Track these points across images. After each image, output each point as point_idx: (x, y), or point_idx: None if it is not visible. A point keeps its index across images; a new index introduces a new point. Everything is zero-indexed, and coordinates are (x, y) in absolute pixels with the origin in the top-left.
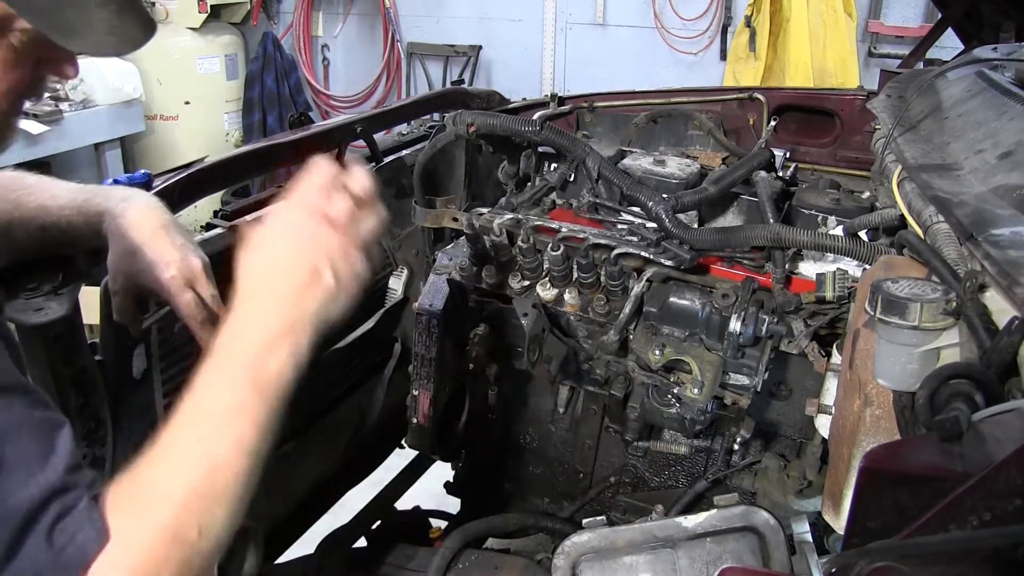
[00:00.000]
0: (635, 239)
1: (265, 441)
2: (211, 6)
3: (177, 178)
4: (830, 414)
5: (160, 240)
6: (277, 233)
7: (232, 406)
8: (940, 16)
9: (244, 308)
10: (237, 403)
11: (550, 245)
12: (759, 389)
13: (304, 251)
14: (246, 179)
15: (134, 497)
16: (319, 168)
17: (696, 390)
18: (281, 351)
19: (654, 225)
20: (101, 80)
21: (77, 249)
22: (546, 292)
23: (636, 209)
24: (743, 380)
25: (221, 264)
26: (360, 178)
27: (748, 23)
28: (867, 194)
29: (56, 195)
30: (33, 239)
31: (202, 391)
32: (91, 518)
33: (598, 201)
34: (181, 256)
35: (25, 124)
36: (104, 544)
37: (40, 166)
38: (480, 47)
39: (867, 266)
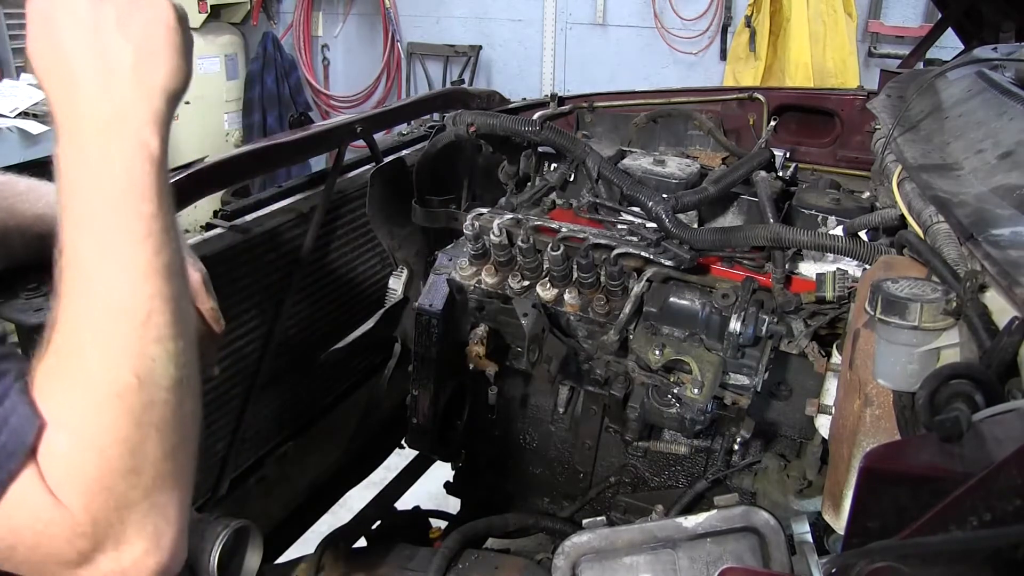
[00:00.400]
0: (635, 239)
1: (164, 253)
2: (211, 6)
3: (177, 178)
4: (830, 414)
5: None
6: (40, 35)
7: (103, 234)
8: (940, 16)
9: (61, 139)
10: (107, 225)
11: (550, 245)
12: (759, 389)
13: (79, 35)
14: (246, 179)
15: (52, 372)
16: None
17: (696, 390)
18: (122, 149)
19: (654, 225)
20: None
21: None
22: (546, 292)
23: (636, 209)
24: (743, 380)
25: (221, 264)
26: None
27: (748, 23)
28: (867, 194)
29: (52, 203)
30: (31, 247)
31: (68, 235)
32: (24, 402)
33: (598, 201)
34: None
35: (25, 124)
36: (43, 426)
37: (40, 166)
38: (480, 47)
39: (867, 266)
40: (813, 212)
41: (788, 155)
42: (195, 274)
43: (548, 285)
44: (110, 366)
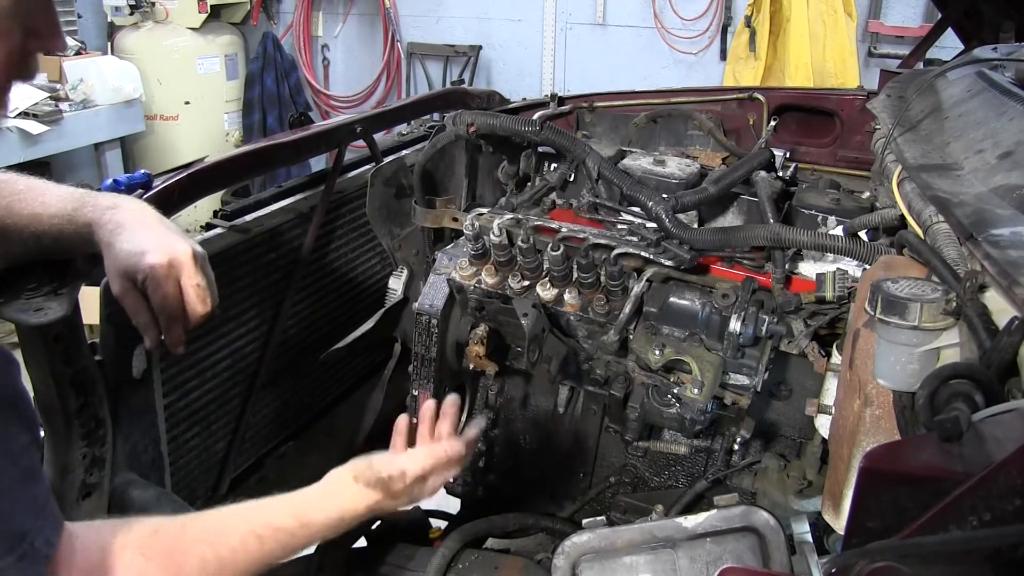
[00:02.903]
0: (635, 239)
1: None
2: (211, 6)
3: (177, 178)
4: (830, 414)
5: (144, 231)
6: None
7: (281, 545)
8: (940, 16)
9: (331, 496)
10: (283, 545)
11: (550, 245)
12: (759, 389)
13: (371, 508)
14: (246, 179)
15: (169, 552)
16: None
17: (696, 390)
18: (320, 534)
19: (654, 225)
20: (101, 80)
21: (71, 255)
22: (546, 292)
23: (636, 209)
24: (743, 380)
25: (221, 264)
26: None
27: (748, 23)
28: (867, 194)
29: (47, 203)
30: (28, 246)
31: (270, 521)
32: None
33: (598, 201)
34: (166, 244)
35: (25, 124)
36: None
37: (40, 166)
38: (480, 47)
39: (867, 266)
40: (813, 212)
41: (788, 155)
42: (183, 246)
43: (548, 285)
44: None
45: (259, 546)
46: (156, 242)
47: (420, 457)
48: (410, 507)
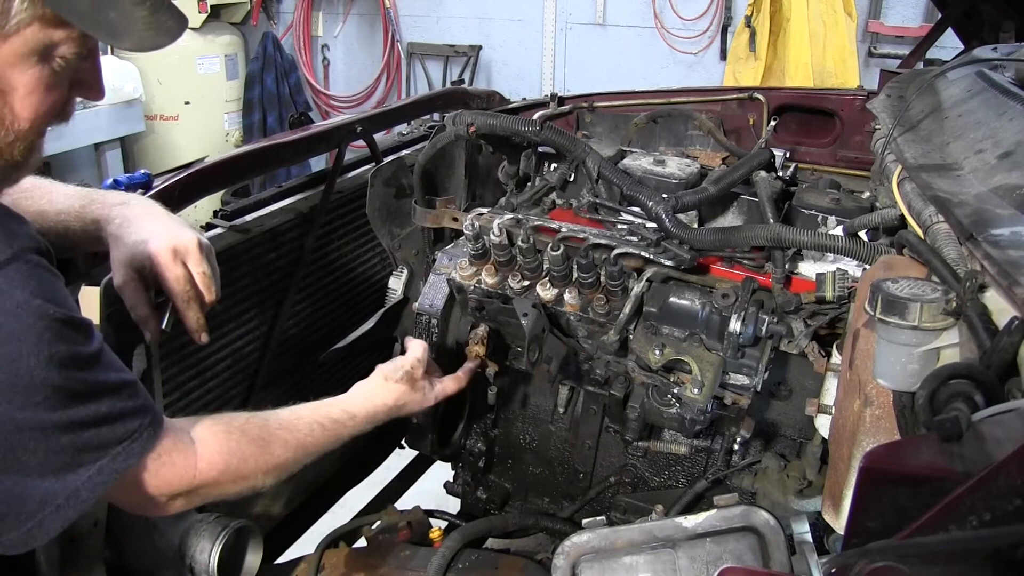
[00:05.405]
0: (635, 239)
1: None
2: (211, 6)
3: (177, 178)
4: (830, 414)
5: (150, 222)
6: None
7: (323, 436)
8: (940, 16)
9: (367, 394)
10: (324, 437)
11: (550, 245)
12: (759, 389)
13: (399, 398)
14: (246, 179)
15: (260, 435)
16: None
17: (696, 390)
18: (363, 424)
19: (654, 225)
20: None
21: (75, 253)
22: (546, 292)
23: (636, 209)
24: (743, 380)
25: (221, 264)
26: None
27: (748, 23)
28: (867, 194)
29: (53, 200)
30: None
31: (328, 413)
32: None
33: (598, 201)
34: (173, 232)
35: None
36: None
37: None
38: (480, 47)
39: (867, 266)
40: (813, 212)
41: (788, 155)
42: (188, 234)
43: (548, 285)
44: (269, 467)
45: (322, 432)
46: (161, 230)
47: (419, 344)
48: (411, 509)
